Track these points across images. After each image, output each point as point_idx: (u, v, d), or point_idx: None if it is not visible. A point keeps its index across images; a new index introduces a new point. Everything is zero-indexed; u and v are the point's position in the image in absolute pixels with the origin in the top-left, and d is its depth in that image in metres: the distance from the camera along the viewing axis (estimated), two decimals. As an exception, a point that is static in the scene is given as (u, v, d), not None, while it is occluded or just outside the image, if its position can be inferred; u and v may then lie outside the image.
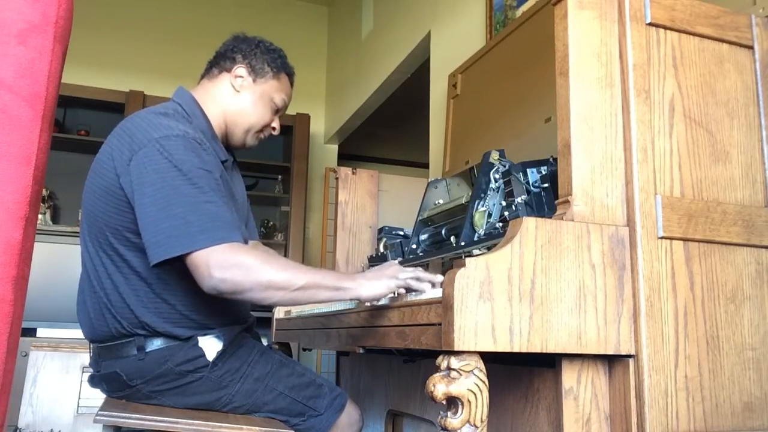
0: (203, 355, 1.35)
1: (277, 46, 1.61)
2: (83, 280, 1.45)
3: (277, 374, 1.44)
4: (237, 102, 1.53)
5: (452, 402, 0.99)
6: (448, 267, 1.74)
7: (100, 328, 1.38)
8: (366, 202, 2.39)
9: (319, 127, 4.98)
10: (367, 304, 1.29)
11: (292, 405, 1.44)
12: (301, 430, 1.47)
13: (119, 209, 1.31)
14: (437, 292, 1.10)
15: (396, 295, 1.24)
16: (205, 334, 1.37)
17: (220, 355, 1.37)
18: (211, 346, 1.36)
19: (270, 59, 1.55)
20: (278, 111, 1.59)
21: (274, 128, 1.59)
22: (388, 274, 1.24)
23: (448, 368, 0.98)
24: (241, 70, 1.53)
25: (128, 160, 1.29)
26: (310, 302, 1.25)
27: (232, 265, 1.18)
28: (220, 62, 1.55)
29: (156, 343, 1.35)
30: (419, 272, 1.24)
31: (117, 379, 1.37)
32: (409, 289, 1.22)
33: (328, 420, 1.47)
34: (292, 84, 1.63)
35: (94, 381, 1.45)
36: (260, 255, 1.23)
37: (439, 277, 1.21)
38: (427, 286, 1.20)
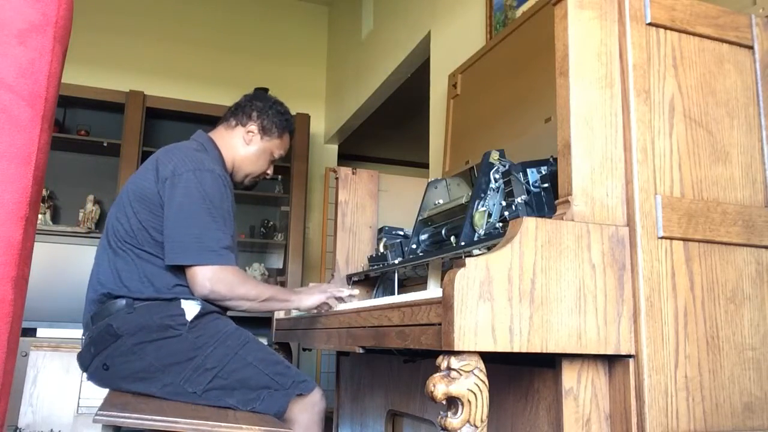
0: (183, 314, 1.60)
1: (286, 107, 1.95)
2: (102, 255, 1.70)
3: (248, 347, 1.62)
4: (245, 152, 1.89)
5: (452, 402, 0.99)
6: (448, 267, 1.74)
7: (108, 282, 1.65)
8: (366, 202, 2.39)
9: (319, 127, 4.98)
10: (314, 311, 1.72)
11: (258, 376, 1.57)
12: (263, 406, 1.55)
13: (154, 213, 1.65)
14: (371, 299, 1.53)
15: (328, 308, 1.69)
16: (187, 299, 1.63)
17: (198, 318, 1.61)
18: (191, 308, 1.62)
19: (278, 121, 1.90)
20: (274, 161, 1.95)
21: (268, 174, 1.97)
22: (320, 290, 1.73)
23: (448, 368, 0.98)
24: (253, 127, 1.88)
25: (166, 179, 1.64)
26: (267, 310, 1.76)
27: (221, 280, 1.59)
28: (238, 115, 1.89)
29: (144, 301, 1.62)
30: (341, 287, 1.78)
31: (107, 331, 1.58)
32: (337, 299, 1.73)
33: (291, 393, 1.56)
34: (291, 137, 1.98)
35: (83, 354, 1.64)
36: (241, 276, 1.65)
37: (356, 291, 1.79)
38: (347, 293, 1.73)
